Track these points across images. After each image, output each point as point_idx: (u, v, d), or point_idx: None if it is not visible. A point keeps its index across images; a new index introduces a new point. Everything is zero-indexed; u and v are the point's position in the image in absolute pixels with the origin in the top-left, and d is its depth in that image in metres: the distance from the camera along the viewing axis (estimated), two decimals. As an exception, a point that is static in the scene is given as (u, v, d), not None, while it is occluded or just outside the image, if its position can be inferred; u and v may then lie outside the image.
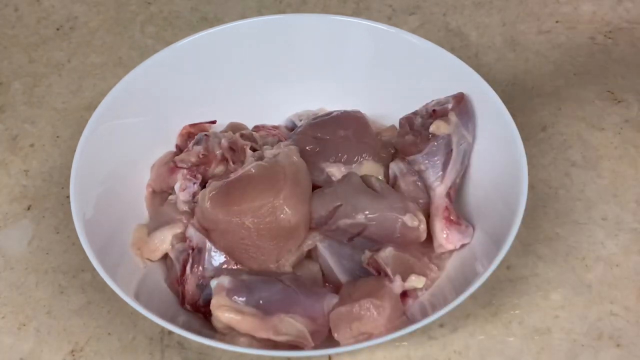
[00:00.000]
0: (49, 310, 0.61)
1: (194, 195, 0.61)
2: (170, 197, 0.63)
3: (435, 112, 0.62)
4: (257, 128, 0.68)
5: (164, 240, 0.60)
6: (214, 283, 0.54)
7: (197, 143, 0.63)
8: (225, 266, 0.57)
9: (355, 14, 0.82)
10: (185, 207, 0.61)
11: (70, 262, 0.63)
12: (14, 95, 0.77)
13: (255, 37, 0.68)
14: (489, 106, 0.61)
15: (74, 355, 0.58)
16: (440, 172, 0.60)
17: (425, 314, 0.53)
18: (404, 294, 0.56)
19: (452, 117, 0.61)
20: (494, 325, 0.59)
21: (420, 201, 0.59)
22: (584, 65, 0.76)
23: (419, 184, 0.60)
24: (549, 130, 0.71)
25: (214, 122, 0.68)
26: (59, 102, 0.76)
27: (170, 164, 0.63)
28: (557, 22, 0.81)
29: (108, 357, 0.58)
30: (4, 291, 0.62)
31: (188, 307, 0.57)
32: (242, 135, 0.64)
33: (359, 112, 0.66)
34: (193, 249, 0.57)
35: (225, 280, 0.53)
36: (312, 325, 0.53)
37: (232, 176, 0.58)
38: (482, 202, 0.60)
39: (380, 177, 0.61)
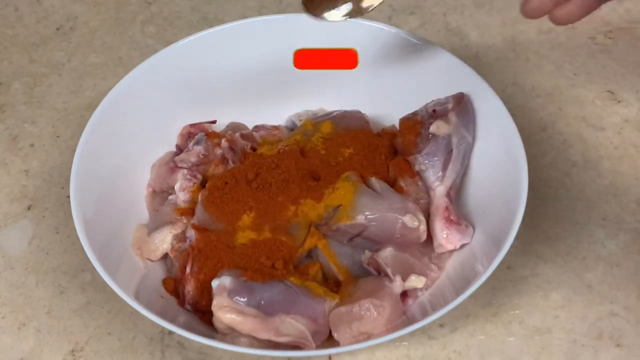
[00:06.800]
0: (49, 310, 0.61)
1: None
2: (170, 197, 0.63)
3: (435, 112, 0.62)
4: (257, 128, 0.68)
5: (164, 240, 0.60)
6: (215, 283, 0.54)
7: (197, 143, 0.63)
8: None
9: (355, 13, 0.82)
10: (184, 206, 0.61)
11: (70, 262, 0.63)
12: (14, 95, 0.77)
13: (255, 37, 0.68)
14: (489, 106, 0.61)
15: (74, 355, 0.58)
16: (440, 172, 0.60)
17: (425, 314, 0.53)
18: (404, 294, 0.56)
19: (452, 117, 0.61)
20: (494, 325, 0.59)
21: (421, 201, 0.59)
22: (584, 65, 0.76)
23: (419, 184, 0.60)
24: (549, 130, 0.71)
25: (214, 122, 0.68)
26: (59, 102, 0.76)
27: (171, 164, 0.63)
28: (557, 22, 0.81)
29: (108, 357, 0.58)
30: (4, 291, 0.62)
31: (188, 307, 0.57)
32: (242, 135, 0.64)
33: (359, 112, 0.66)
34: (193, 249, 0.57)
35: (226, 280, 0.53)
36: (313, 325, 0.53)
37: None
38: (482, 202, 0.60)
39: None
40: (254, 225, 0.57)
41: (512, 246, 0.53)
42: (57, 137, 0.73)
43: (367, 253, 0.58)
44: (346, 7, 0.56)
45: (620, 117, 0.72)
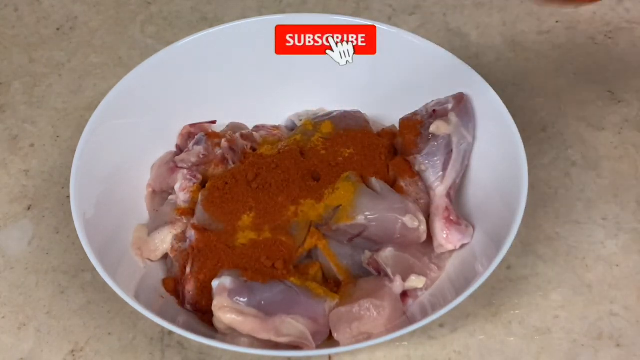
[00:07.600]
0: (49, 310, 0.61)
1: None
2: (170, 197, 0.63)
3: (435, 112, 0.62)
4: (257, 128, 0.68)
5: (164, 240, 0.60)
6: (215, 284, 0.54)
7: (197, 143, 0.63)
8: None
9: (355, 14, 0.82)
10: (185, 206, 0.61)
11: (70, 262, 0.63)
12: (14, 95, 0.77)
13: (255, 37, 0.68)
14: (489, 106, 0.61)
15: (74, 355, 0.58)
16: (441, 172, 0.60)
17: (425, 314, 0.53)
18: (404, 294, 0.56)
19: (452, 117, 0.61)
20: (494, 325, 0.59)
21: (421, 201, 0.59)
22: (584, 65, 0.76)
23: (419, 184, 0.60)
24: (549, 130, 0.71)
25: (214, 122, 0.68)
26: (59, 102, 0.76)
27: (171, 164, 0.63)
28: (557, 22, 0.81)
29: (108, 357, 0.58)
30: (4, 291, 0.62)
31: (188, 307, 0.57)
32: (242, 135, 0.64)
33: (359, 112, 0.66)
34: (193, 249, 0.57)
35: (226, 280, 0.53)
36: (313, 326, 0.53)
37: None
38: (482, 202, 0.60)
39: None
40: (254, 225, 0.57)
41: (512, 246, 0.53)
42: (57, 137, 0.73)
43: (367, 253, 0.57)
44: None
45: (620, 117, 0.72)
